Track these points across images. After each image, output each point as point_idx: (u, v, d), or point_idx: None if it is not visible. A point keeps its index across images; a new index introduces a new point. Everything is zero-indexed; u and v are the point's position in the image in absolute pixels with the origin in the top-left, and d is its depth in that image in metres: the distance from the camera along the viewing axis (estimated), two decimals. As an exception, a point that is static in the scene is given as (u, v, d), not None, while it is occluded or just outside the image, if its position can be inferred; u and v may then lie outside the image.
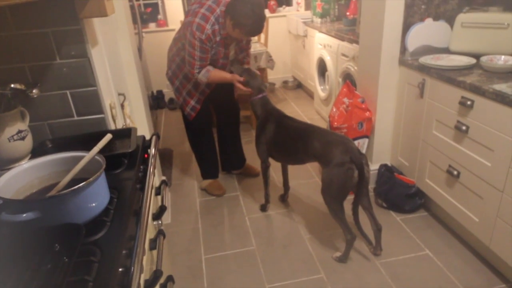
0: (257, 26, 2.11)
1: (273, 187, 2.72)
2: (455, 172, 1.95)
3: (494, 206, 1.74)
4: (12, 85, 1.07)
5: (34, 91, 1.12)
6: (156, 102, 4.61)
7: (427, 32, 2.25)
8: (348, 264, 2.00)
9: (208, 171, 2.78)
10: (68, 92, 1.31)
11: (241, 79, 2.22)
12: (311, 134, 2.01)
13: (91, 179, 0.85)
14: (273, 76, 4.93)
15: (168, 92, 4.65)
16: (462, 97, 1.82)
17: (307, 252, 2.11)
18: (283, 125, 2.16)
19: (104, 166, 0.91)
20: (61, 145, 1.27)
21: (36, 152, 1.20)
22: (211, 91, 2.47)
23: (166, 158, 3.32)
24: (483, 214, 1.82)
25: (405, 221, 2.30)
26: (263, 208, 2.52)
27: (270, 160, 2.34)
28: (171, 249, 2.22)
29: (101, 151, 0.98)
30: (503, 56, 1.97)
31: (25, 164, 0.94)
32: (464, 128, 1.84)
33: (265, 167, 2.37)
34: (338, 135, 1.96)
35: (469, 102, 1.78)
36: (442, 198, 2.12)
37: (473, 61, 2.02)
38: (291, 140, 2.10)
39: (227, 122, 2.77)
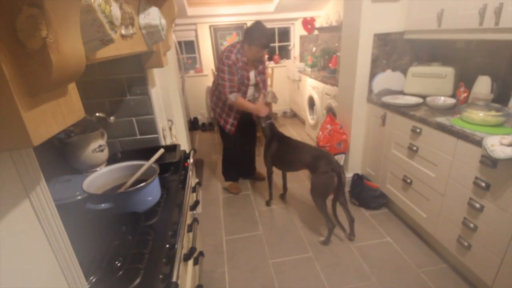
0: (268, 39, 2.08)
1: (275, 188, 2.70)
2: (409, 180, 1.93)
3: (437, 205, 1.72)
4: (97, 114, 1.10)
5: (111, 118, 1.15)
6: (192, 125, 4.66)
7: (387, 79, 2.26)
8: (329, 246, 1.96)
9: (230, 175, 2.78)
10: (133, 118, 1.34)
11: (265, 102, 2.26)
12: (303, 150, 2.01)
13: (149, 180, 0.87)
14: (276, 108, 4.96)
15: (201, 118, 4.70)
16: (413, 126, 1.82)
17: (300, 236, 2.09)
18: (283, 143, 2.16)
19: (158, 172, 0.93)
20: (127, 155, 1.29)
21: (110, 160, 1.23)
22: (240, 118, 2.45)
23: (198, 166, 3.33)
24: (430, 212, 1.79)
25: (372, 215, 2.26)
26: (268, 203, 2.50)
27: (274, 168, 2.33)
28: (201, 231, 2.21)
29: (155, 160, 1.00)
30: (442, 97, 1.97)
31: (104, 169, 0.96)
32: (415, 148, 1.83)
33: (270, 174, 2.37)
34: (323, 151, 1.95)
35: (418, 130, 1.78)
36: (399, 199, 2.09)
37: (420, 100, 2.02)
38: (289, 154, 2.10)
39: (248, 142, 2.76)
